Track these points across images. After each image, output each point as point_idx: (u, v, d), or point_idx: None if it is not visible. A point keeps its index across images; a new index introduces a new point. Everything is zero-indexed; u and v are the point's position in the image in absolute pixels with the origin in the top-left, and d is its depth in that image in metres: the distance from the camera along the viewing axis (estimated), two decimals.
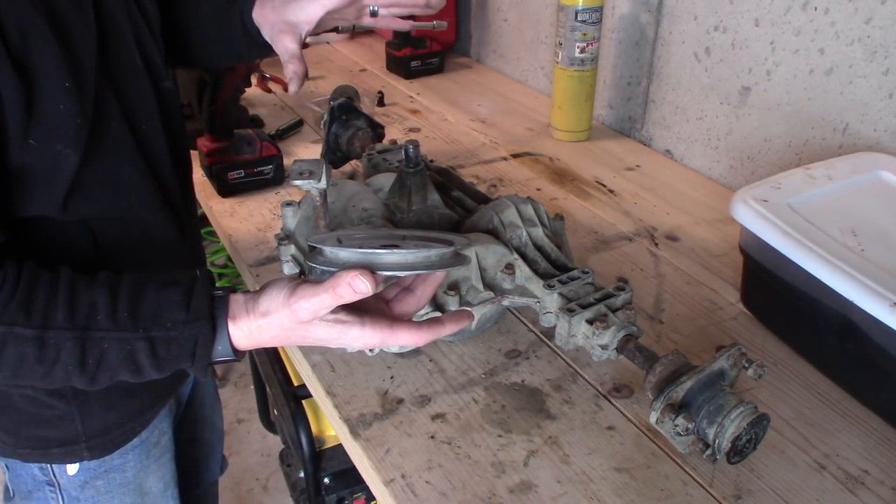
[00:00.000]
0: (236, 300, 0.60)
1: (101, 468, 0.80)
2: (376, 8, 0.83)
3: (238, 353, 0.61)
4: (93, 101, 0.62)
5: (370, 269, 0.55)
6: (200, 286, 0.60)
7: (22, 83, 0.55)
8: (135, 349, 0.58)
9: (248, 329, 0.59)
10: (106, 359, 0.58)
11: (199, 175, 1.15)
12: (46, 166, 0.60)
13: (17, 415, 0.73)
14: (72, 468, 0.78)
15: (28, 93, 0.56)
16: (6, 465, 0.80)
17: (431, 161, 1.06)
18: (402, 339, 0.60)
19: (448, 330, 0.63)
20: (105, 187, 0.66)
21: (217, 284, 0.62)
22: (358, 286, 0.55)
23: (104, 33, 0.64)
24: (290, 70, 0.80)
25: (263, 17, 0.82)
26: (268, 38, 0.82)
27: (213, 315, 0.59)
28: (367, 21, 0.85)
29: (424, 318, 0.72)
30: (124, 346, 0.58)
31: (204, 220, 1.18)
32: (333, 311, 0.58)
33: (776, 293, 0.81)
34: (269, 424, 1.74)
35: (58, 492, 0.79)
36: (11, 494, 0.82)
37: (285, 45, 0.80)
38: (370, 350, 0.72)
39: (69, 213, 0.64)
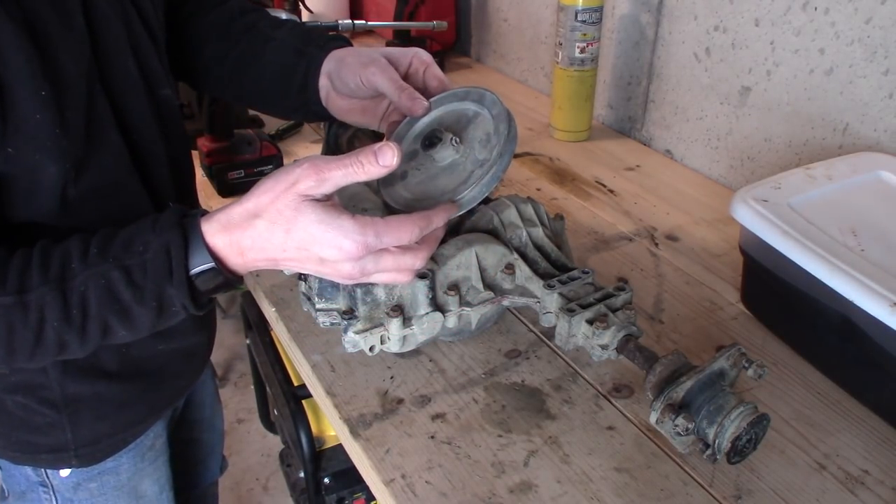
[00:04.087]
0: (215, 209, 0.58)
1: (95, 471, 0.79)
2: None
3: (221, 265, 0.57)
4: (83, 110, 0.60)
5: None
6: (170, 209, 0.58)
7: None
8: (111, 282, 0.56)
9: (225, 220, 0.56)
10: (88, 304, 0.56)
11: (199, 175, 1.14)
12: (28, 175, 0.59)
13: (7, 418, 0.73)
14: (64, 471, 0.78)
15: (1, 100, 0.54)
16: None
17: None
18: (396, 230, 0.56)
19: (438, 220, 0.60)
20: (101, 198, 0.65)
21: None
22: (385, 156, 0.54)
23: (96, 40, 0.62)
24: (405, 101, 0.67)
25: (338, 62, 0.73)
26: (347, 84, 0.72)
27: (182, 222, 0.57)
28: None
29: (424, 317, 0.72)
30: (99, 282, 0.56)
31: None
32: (325, 199, 0.55)
33: (776, 293, 0.81)
34: (269, 424, 1.74)
35: (51, 493, 0.79)
36: (6, 494, 0.82)
37: (381, 76, 0.68)
38: (370, 350, 0.72)
39: (64, 222, 0.63)
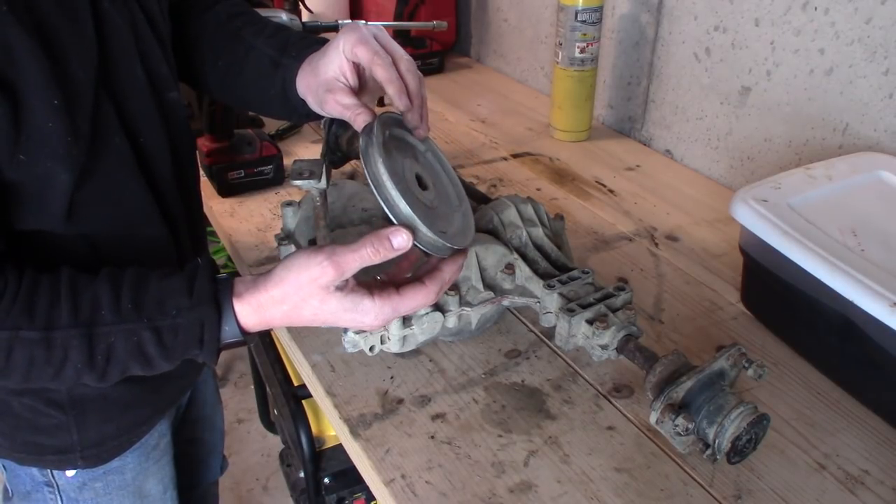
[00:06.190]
0: (241, 280, 0.61)
1: (100, 470, 0.79)
2: None
3: (246, 335, 0.61)
4: (90, 117, 0.60)
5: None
6: (202, 272, 0.60)
7: (7, 100, 0.54)
8: (142, 340, 0.58)
9: (256, 304, 0.60)
10: (114, 353, 0.58)
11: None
12: (38, 183, 0.59)
13: (14, 420, 0.73)
14: (70, 471, 0.78)
15: (14, 109, 0.55)
16: (4, 466, 0.80)
17: None
18: (412, 300, 0.61)
19: (448, 273, 0.63)
20: (106, 203, 0.65)
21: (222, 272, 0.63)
22: (399, 240, 0.57)
23: (104, 46, 0.62)
24: (359, 123, 0.68)
25: (307, 86, 0.74)
26: (318, 108, 0.74)
27: (217, 297, 0.59)
28: None
29: (424, 317, 0.72)
30: (131, 338, 0.58)
31: (204, 220, 1.18)
32: (344, 283, 0.59)
33: (776, 293, 0.81)
34: (269, 424, 1.75)
35: (56, 493, 0.79)
36: (10, 495, 0.82)
37: (336, 105, 0.70)
38: (370, 350, 0.72)
39: (70, 229, 0.63)
